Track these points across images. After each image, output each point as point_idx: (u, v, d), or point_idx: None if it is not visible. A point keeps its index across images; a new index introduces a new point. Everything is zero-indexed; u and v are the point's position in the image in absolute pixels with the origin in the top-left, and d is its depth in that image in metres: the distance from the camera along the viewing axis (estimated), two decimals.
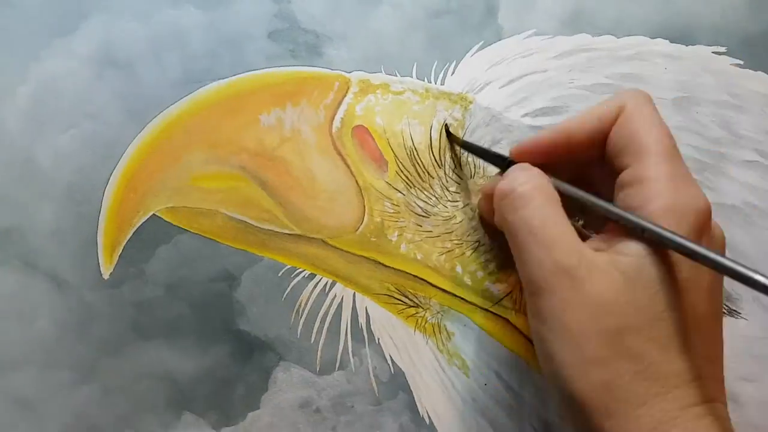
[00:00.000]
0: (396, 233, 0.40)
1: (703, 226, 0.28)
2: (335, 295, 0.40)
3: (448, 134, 0.40)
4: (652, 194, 0.28)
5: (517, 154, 0.34)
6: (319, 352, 0.41)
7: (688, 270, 0.27)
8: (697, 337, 0.27)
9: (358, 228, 0.40)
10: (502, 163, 0.35)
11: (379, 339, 0.40)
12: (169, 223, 0.40)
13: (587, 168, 0.34)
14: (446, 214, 0.40)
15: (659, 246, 0.27)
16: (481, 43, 0.43)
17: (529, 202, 0.30)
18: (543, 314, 0.28)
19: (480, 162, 0.40)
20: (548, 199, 0.30)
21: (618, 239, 0.29)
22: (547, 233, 0.28)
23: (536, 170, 0.32)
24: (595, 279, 0.27)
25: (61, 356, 0.40)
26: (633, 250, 0.28)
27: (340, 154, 0.40)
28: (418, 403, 0.40)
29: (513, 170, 0.32)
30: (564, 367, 0.27)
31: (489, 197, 0.34)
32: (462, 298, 0.40)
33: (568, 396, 0.27)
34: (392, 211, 0.40)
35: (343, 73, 0.41)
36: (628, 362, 0.26)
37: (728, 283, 0.33)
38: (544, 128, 0.40)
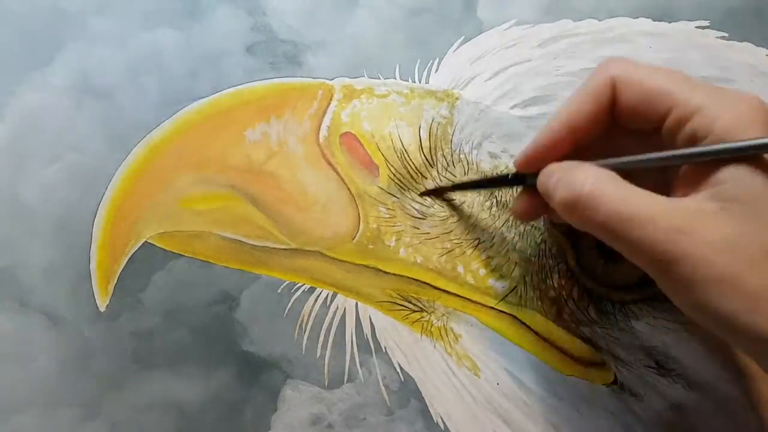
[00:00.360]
0: (393, 238, 0.39)
1: None
2: (337, 307, 0.40)
3: (431, 192, 0.39)
4: (712, 115, 0.27)
5: (523, 164, 0.33)
6: (326, 366, 0.40)
7: None
8: None
9: (355, 236, 0.39)
10: (510, 180, 0.34)
11: (385, 347, 0.40)
12: (163, 249, 0.40)
13: (588, 148, 0.33)
14: (443, 213, 0.39)
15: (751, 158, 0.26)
16: (462, 38, 0.43)
17: (601, 196, 0.28)
18: (683, 282, 0.26)
19: (473, 157, 0.40)
20: (613, 180, 0.29)
21: (701, 179, 0.28)
22: (640, 212, 0.27)
23: (576, 163, 0.31)
24: (711, 219, 0.26)
25: (63, 394, 0.39)
26: (729, 175, 0.27)
27: (329, 163, 0.39)
28: (430, 409, 0.39)
29: (557, 179, 0.31)
30: (739, 315, 0.25)
31: (527, 212, 0.34)
32: (466, 298, 0.39)
33: (758, 338, 0.25)
34: (388, 216, 0.39)
35: (326, 80, 0.41)
36: None
37: None
38: (534, 118, 0.39)
